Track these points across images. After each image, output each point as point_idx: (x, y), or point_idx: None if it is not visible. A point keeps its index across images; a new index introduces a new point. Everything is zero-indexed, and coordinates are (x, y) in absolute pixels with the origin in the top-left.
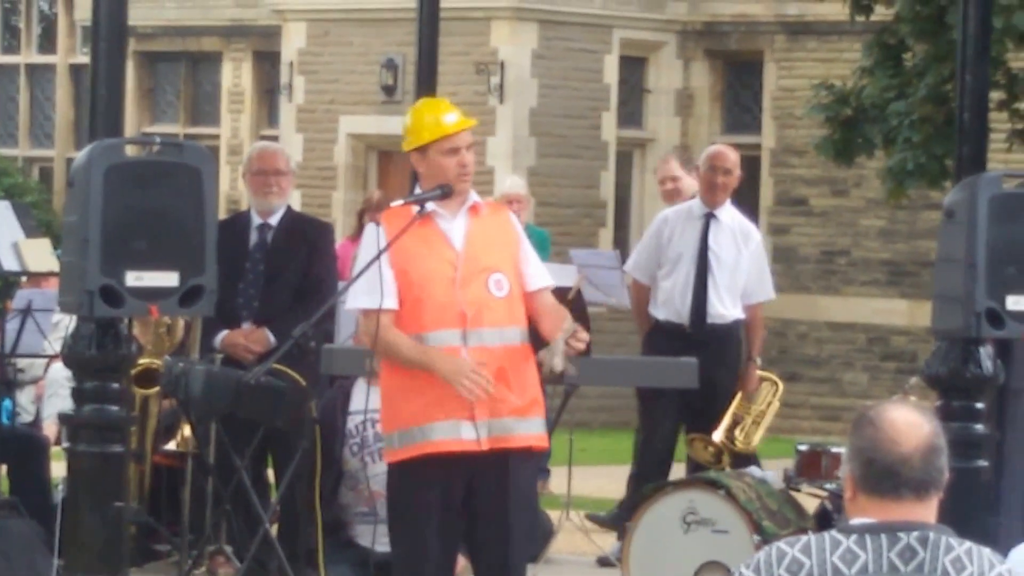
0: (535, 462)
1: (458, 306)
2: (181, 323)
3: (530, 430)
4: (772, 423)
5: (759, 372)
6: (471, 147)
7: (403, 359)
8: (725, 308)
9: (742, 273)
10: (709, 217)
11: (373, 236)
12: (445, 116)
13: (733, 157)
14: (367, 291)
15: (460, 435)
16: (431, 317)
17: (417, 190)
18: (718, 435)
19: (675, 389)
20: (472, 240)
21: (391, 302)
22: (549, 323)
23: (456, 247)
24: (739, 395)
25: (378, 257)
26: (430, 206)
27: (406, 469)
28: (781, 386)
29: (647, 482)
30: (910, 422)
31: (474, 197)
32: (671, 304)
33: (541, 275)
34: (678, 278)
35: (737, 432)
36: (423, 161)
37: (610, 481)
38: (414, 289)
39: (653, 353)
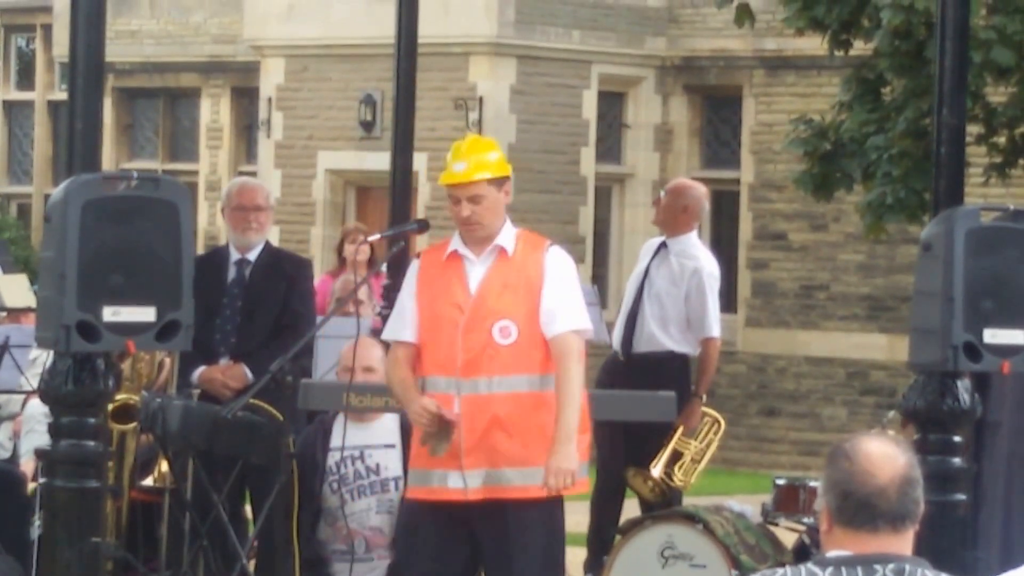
0: (550, 510)
1: (456, 353)
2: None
3: (533, 480)
4: (751, 458)
5: (703, 409)
6: (475, 198)
7: (394, 397)
8: (654, 337)
9: (674, 303)
10: (661, 247)
11: (412, 266)
12: (456, 164)
13: (694, 191)
14: (392, 322)
15: (447, 483)
16: (431, 361)
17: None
18: (657, 470)
19: (617, 421)
20: (486, 285)
21: (408, 334)
22: (557, 380)
23: (470, 291)
24: (679, 430)
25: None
26: (454, 246)
27: (412, 507)
28: (723, 424)
29: (606, 518)
30: (885, 454)
31: (502, 240)
32: (616, 333)
33: (560, 320)
34: (623, 307)
35: (676, 468)
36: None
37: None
38: (425, 331)
39: (598, 385)
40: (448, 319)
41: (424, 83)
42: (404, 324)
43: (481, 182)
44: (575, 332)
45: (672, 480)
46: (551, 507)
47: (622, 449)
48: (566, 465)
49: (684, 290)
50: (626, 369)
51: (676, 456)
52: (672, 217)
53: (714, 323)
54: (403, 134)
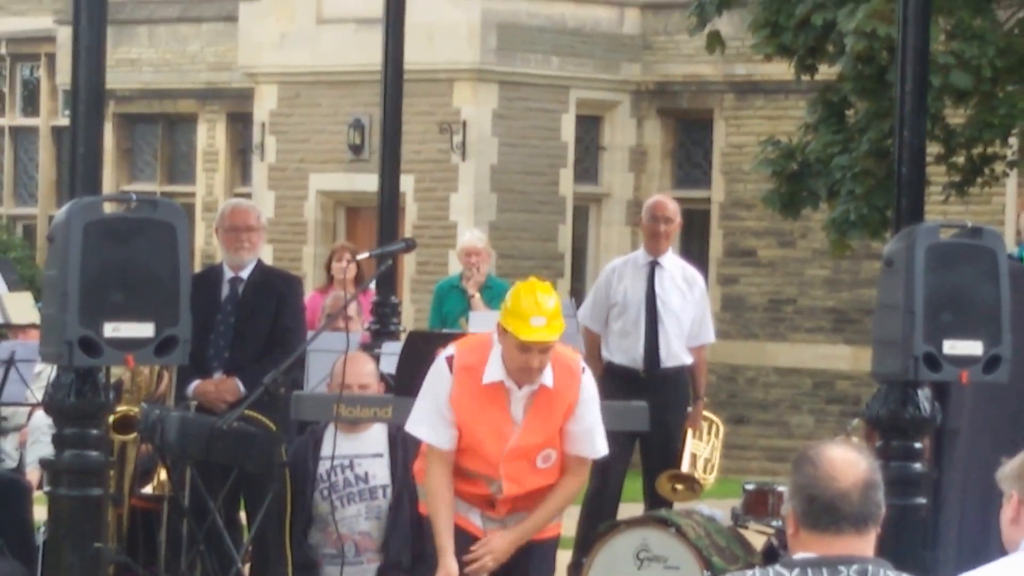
0: (552, 545)
1: (498, 469)
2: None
3: (476, 546)
4: (721, 464)
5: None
6: (546, 351)
7: (431, 516)
8: (676, 352)
9: (688, 318)
10: (654, 265)
11: (440, 370)
12: (532, 320)
13: (672, 207)
14: (422, 424)
15: (468, 517)
16: (475, 462)
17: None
18: (686, 467)
19: (628, 432)
20: (531, 421)
21: (448, 443)
22: (557, 487)
23: (514, 421)
24: (690, 433)
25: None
26: (497, 376)
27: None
28: (721, 426)
29: (599, 521)
30: (848, 460)
31: (544, 379)
32: (625, 350)
33: (588, 446)
34: (629, 325)
35: (697, 468)
36: (503, 337)
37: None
38: (464, 441)
39: (605, 396)
40: (491, 443)
41: (410, 108)
42: (443, 432)
43: (554, 339)
44: (593, 460)
45: (698, 479)
46: (552, 545)
47: (622, 458)
48: (501, 550)
49: (691, 303)
50: (647, 384)
51: (692, 459)
52: (671, 236)
53: (711, 329)
54: (390, 157)
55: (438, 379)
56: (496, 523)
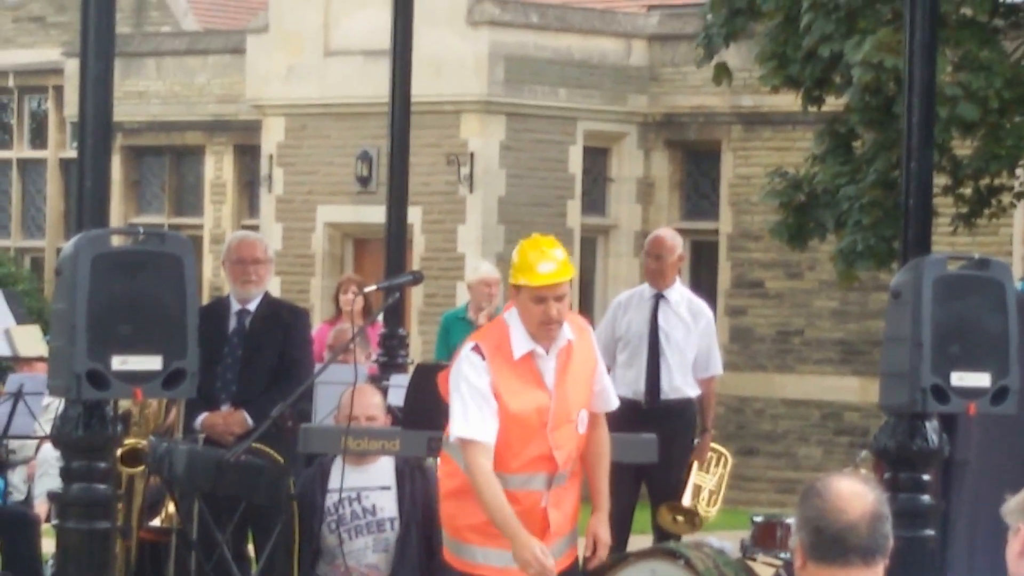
0: (575, 570)
1: (548, 451)
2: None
3: (572, 543)
4: (730, 495)
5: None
6: (562, 298)
7: (486, 508)
8: (678, 384)
9: (692, 351)
10: (658, 298)
11: (472, 361)
12: (540, 265)
13: (670, 241)
14: (469, 420)
15: (508, 563)
16: (519, 460)
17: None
18: (687, 500)
19: (632, 464)
20: (562, 382)
21: (492, 437)
22: (598, 447)
23: (549, 389)
24: (695, 465)
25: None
26: (525, 346)
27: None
28: (729, 458)
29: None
30: (855, 492)
31: (566, 335)
32: (628, 382)
33: (613, 398)
34: (633, 357)
35: (700, 500)
36: (516, 298)
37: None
38: (507, 429)
39: (610, 429)
40: (535, 420)
41: (417, 140)
42: (487, 425)
43: (566, 282)
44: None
45: (699, 512)
46: (575, 570)
47: (629, 488)
48: (606, 536)
49: (695, 336)
50: (650, 416)
51: (695, 490)
52: (672, 269)
53: (719, 361)
54: (398, 188)
55: (472, 371)
56: (552, 551)
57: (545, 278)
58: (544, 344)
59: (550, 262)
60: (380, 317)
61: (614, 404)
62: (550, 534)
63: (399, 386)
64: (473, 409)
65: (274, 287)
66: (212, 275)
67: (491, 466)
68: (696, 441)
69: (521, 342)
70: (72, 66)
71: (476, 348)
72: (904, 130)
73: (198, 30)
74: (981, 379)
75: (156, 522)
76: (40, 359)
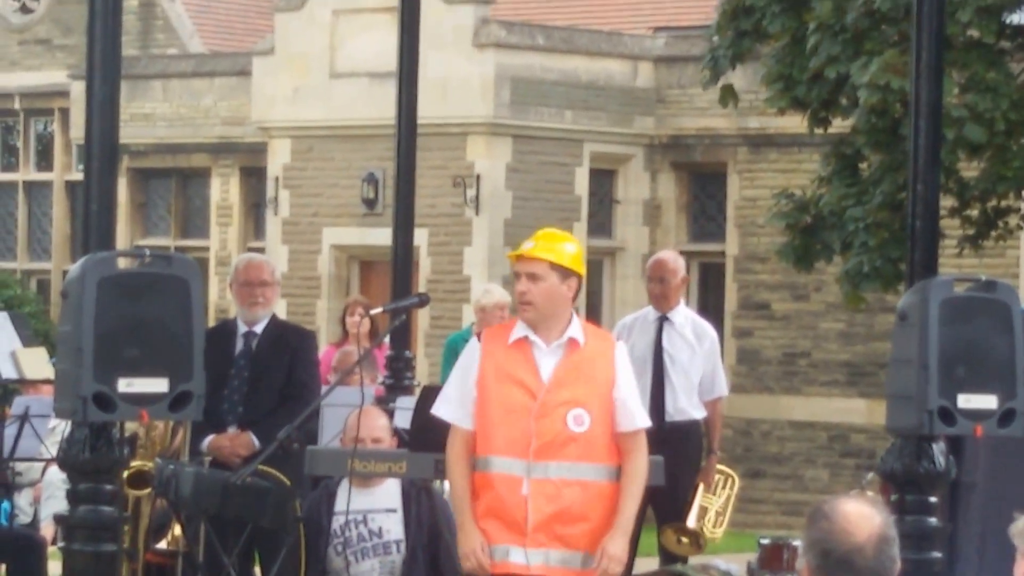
0: None
1: (529, 437)
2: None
3: (591, 565)
4: (736, 518)
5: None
6: (533, 276)
7: (452, 490)
8: (683, 407)
9: (697, 373)
10: (663, 320)
11: (471, 346)
12: (527, 243)
13: (671, 264)
14: (449, 402)
15: (508, 558)
16: (501, 443)
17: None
18: (691, 522)
19: None
20: (560, 373)
21: (469, 422)
22: (625, 472)
23: (543, 378)
24: (701, 487)
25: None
26: (522, 332)
27: None
28: (736, 479)
29: None
30: (862, 514)
31: (573, 331)
32: None
33: (637, 416)
34: (637, 380)
35: (705, 522)
36: None
37: None
38: (491, 412)
39: None
40: (520, 404)
41: (424, 162)
42: (465, 410)
43: (543, 262)
44: (645, 429)
45: (703, 533)
46: None
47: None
48: (620, 553)
49: (700, 357)
50: (656, 438)
51: (701, 512)
52: (676, 291)
53: (724, 382)
54: (404, 211)
55: (467, 354)
56: (540, 555)
57: (517, 252)
58: (543, 336)
59: (534, 241)
60: (386, 339)
61: (639, 423)
62: (536, 532)
63: (405, 408)
64: (454, 392)
65: (280, 309)
66: (218, 297)
67: (462, 450)
68: (702, 463)
69: (519, 329)
70: (78, 88)
71: (479, 334)
72: (911, 152)
73: (204, 52)
74: (988, 401)
75: (162, 545)
76: (46, 381)
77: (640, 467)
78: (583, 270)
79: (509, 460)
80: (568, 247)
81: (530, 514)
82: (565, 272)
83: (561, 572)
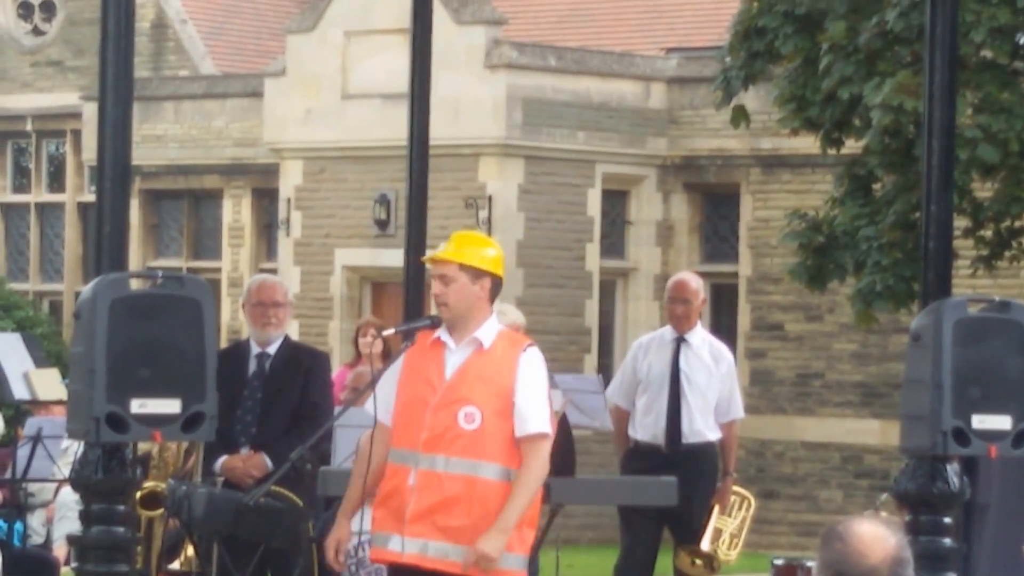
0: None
1: (421, 430)
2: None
3: (465, 557)
4: (751, 539)
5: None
6: (443, 278)
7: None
8: (699, 428)
9: (714, 394)
10: (680, 341)
11: (401, 356)
12: (442, 244)
13: (693, 286)
14: (377, 402)
15: (387, 545)
16: (399, 434)
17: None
18: (706, 544)
19: (655, 507)
20: (460, 373)
21: (388, 419)
22: (518, 475)
23: (446, 376)
24: (716, 509)
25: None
26: (440, 333)
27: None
28: (752, 501)
29: None
30: (876, 535)
31: (481, 334)
32: (648, 426)
33: (532, 421)
34: (653, 401)
35: (720, 545)
36: None
37: None
38: (400, 408)
39: (630, 473)
40: (421, 399)
41: (436, 183)
42: (386, 408)
43: (450, 264)
44: (544, 436)
45: (716, 555)
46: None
47: (651, 531)
48: (489, 551)
49: (717, 379)
50: (671, 460)
51: (716, 534)
52: (696, 313)
53: (740, 405)
54: (416, 232)
55: (399, 359)
56: (416, 544)
57: (430, 256)
58: (454, 336)
59: (446, 244)
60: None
61: (533, 429)
62: (414, 521)
63: None
64: (381, 392)
65: (292, 330)
66: (230, 318)
67: (373, 445)
68: (718, 485)
69: (440, 331)
70: (90, 110)
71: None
72: (924, 172)
73: (216, 74)
74: (1002, 422)
75: (175, 565)
76: (59, 402)
77: (531, 472)
78: (500, 271)
79: (403, 452)
80: (483, 250)
81: (411, 504)
82: (476, 273)
83: (438, 563)
